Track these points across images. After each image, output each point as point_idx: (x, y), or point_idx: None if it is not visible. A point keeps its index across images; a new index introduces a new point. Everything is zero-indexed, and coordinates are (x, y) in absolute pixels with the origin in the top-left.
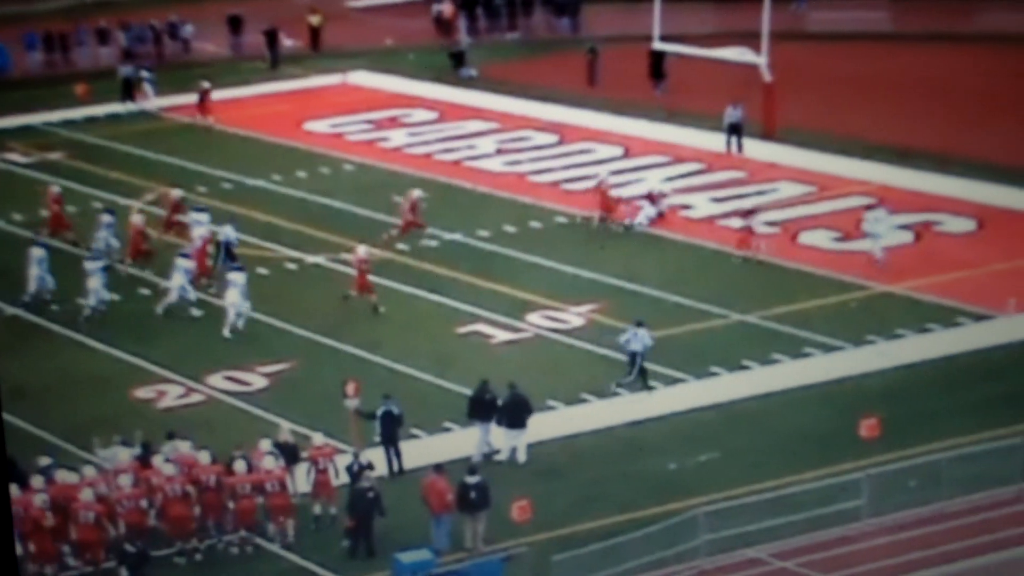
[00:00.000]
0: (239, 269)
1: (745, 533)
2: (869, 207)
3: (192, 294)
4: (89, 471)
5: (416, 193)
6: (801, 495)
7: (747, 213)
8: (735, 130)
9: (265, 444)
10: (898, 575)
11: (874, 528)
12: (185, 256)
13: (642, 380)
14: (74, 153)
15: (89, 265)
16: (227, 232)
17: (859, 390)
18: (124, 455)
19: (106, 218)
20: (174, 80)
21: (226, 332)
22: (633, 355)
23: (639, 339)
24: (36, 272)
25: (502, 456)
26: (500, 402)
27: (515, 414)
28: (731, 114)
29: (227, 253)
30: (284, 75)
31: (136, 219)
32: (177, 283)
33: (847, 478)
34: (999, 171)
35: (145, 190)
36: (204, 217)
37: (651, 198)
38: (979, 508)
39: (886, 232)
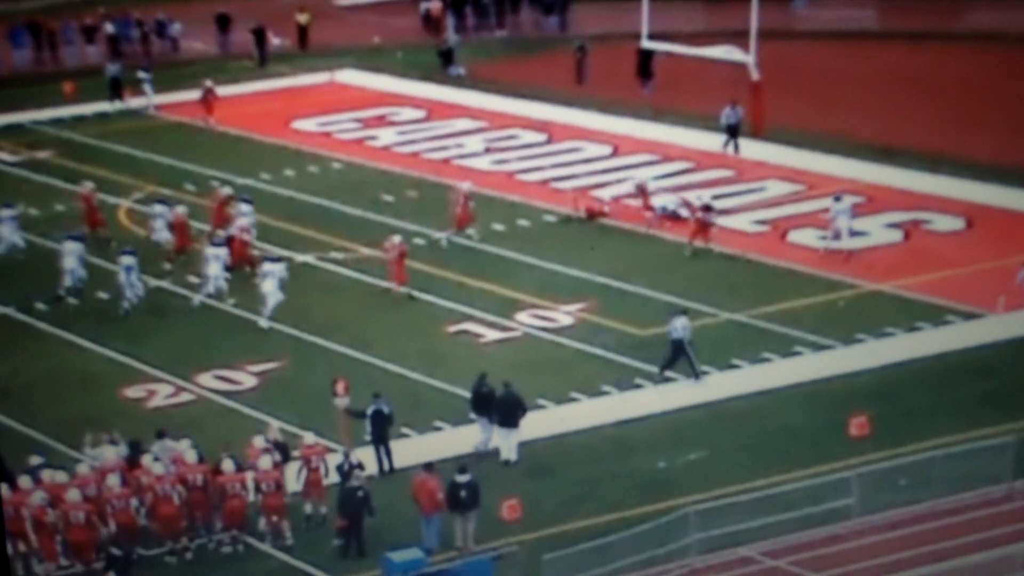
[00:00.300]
0: (276, 260)
1: (736, 532)
2: (836, 198)
3: (225, 284)
4: (83, 468)
5: (466, 186)
6: (792, 494)
7: (705, 208)
8: (732, 131)
9: (259, 441)
10: (889, 573)
11: (865, 527)
12: (217, 245)
13: (663, 368)
14: (62, 151)
15: (125, 260)
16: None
17: (849, 389)
18: (111, 454)
19: (159, 208)
20: (162, 79)
21: (263, 323)
22: (676, 343)
23: (680, 328)
24: (71, 265)
25: (504, 456)
26: (495, 401)
27: (507, 413)
28: (729, 115)
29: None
30: (272, 73)
31: (180, 210)
32: (213, 272)
33: (837, 476)
34: (988, 170)
35: (134, 189)
36: (248, 208)
37: (688, 205)
38: (969, 507)
39: (846, 225)
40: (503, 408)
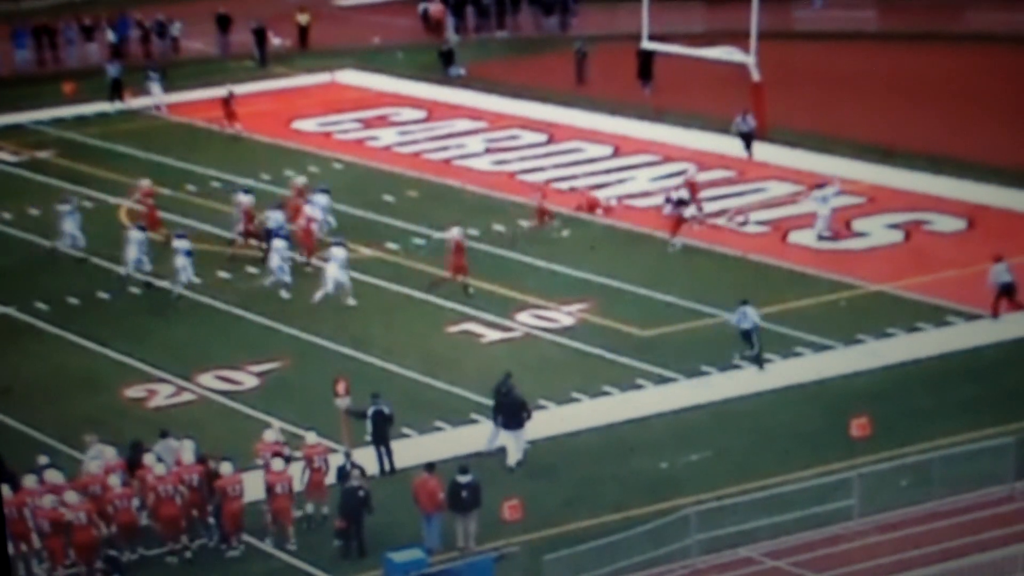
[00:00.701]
0: (340, 244)
1: (737, 532)
2: (817, 186)
3: (288, 275)
4: (94, 467)
5: (540, 183)
6: (793, 494)
7: (679, 203)
8: (746, 138)
9: (270, 435)
10: (890, 574)
11: (866, 527)
12: (280, 236)
13: (757, 357)
14: (64, 151)
15: (178, 244)
16: (276, 217)
17: (850, 389)
18: (111, 453)
19: (243, 198)
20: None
21: (316, 297)
22: (747, 332)
23: (748, 317)
24: (134, 254)
25: (509, 461)
26: (497, 403)
27: (511, 415)
28: (740, 123)
29: (268, 237)
30: (272, 74)
31: (245, 199)
32: (275, 263)
33: (838, 477)
34: (989, 170)
35: (134, 188)
36: (323, 199)
37: (740, 214)
38: (970, 507)
39: (826, 212)
40: (507, 410)
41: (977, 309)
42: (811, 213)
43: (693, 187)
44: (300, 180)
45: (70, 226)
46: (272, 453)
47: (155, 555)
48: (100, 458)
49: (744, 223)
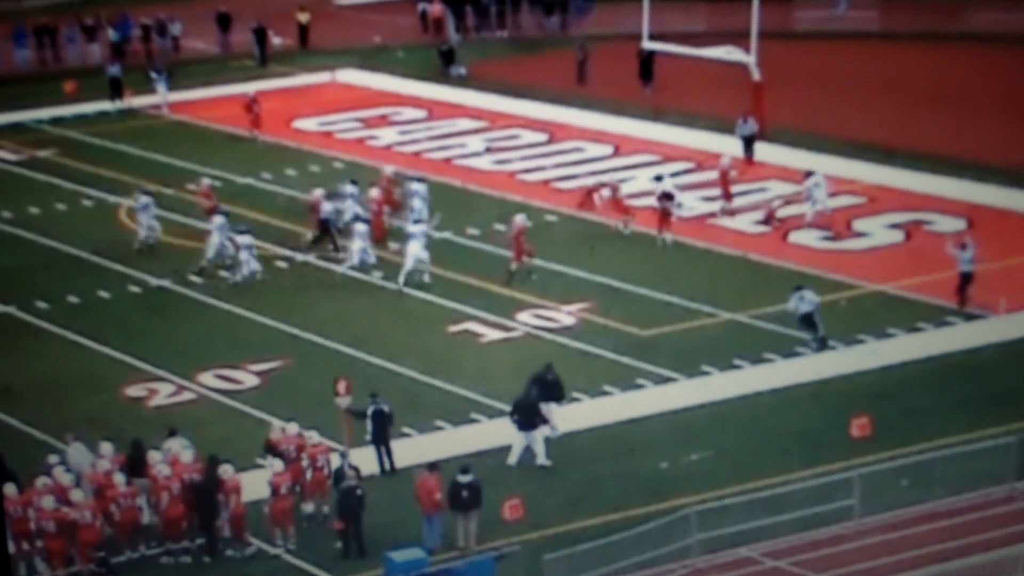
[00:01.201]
0: (418, 222)
1: (737, 532)
2: (807, 174)
3: (372, 257)
4: (103, 464)
5: (608, 179)
6: (793, 494)
7: (665, 196)
8: (748, 141)
9: (292, 428)
10: (891, 574)
11: (866, 527)
12: (361, 220)
13: (816, 339)
14: (64, 150)
15: (241, 239)
16: (327, 208)
17: (850, 389)
18: (108, 449)
19: (350, 188)
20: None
21: (400, 280)
22: (807, 316)
23: (806, 301)
24: (217, 240)
25: (509, 460)
26: (516, 401)
27: (525, 415)
28: (743, 127)
29: (326, 228)
30: (273, 73)
31: (316, 193)
32: (357, 247)
33: (839, 477)
34: (989, 170)
35: (134, 188)
36: (422, 187)
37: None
38: (971, 507)
39: (823, 198)
40: (521, 411)
41: (977, 309)
42: (802, 214)
43: (724, 176)
44: (389, 168)
45: (146, 218)
46: (295, 446)
47: (156, 554)
48: (83, 455)
49: (777, 218)
